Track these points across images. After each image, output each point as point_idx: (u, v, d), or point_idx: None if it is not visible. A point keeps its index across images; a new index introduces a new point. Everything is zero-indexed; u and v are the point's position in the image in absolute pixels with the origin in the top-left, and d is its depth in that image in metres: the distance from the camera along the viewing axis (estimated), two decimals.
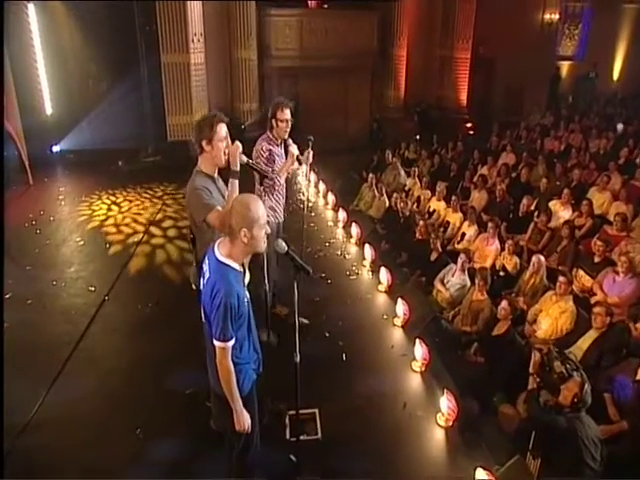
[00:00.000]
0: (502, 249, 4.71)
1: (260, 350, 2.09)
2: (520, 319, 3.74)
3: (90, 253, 4.97)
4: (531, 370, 3.04)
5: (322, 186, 6.49)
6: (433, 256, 4.75)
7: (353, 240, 5.09)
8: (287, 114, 3.06)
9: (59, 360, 3.24)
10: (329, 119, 9.68)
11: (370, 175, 7.05)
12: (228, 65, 8.86)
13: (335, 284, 4.25)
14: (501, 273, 4.53)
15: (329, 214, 5.92)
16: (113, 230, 5.56)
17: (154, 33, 7.51)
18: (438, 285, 4.32)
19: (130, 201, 6.50)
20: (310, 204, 6.19)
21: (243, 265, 2.33)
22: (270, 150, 3.09)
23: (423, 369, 3.28)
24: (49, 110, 8.19)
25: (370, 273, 4.48)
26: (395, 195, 6.22)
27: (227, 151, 2.33)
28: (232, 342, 1.85)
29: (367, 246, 4.62)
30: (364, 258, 4.64)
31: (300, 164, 3.25)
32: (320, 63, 9.22)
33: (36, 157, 7.07)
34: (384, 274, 4.17)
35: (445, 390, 2.86)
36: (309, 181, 6.83)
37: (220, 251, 1.86)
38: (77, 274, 4.51)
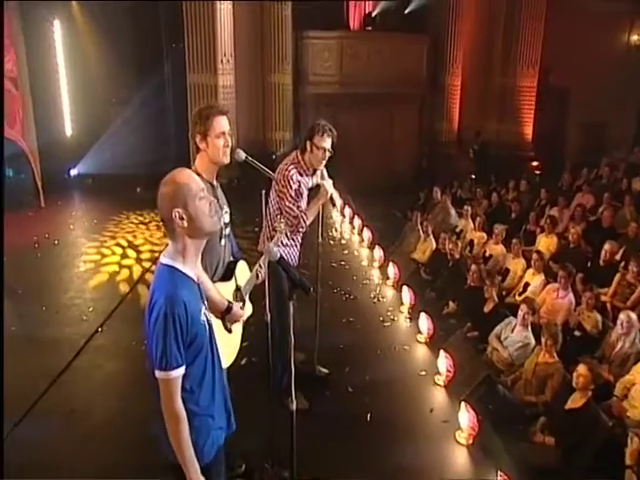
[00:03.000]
0: (577, 303, 4.52)
1: (230, 402, 1.81)
2: (605, 392, 3.47)
3: (89, 280, 5.17)
4: (628, 461, 2.80)
5: (357, 221, 6.56)
6: (488, 307, 4.61)
7: (390, 282, 5.04)
8: (327, 142, 2.89)
9: (32, 395, 3.25)
10: (371, 153, 10.01)
11: (415, 213, 7.12)
12: (260, 90, 9.51)
13: (365, 330, 4.18)
14: (576, 333, 4.31)
15: (364, 252, 5.96)
16: (117, 259, 5.81)
17: (181, 52, 8.28)
18: (494, 342, 4.13)
19: (142, 230, 6.83)
20: (343, 241, 6.29)
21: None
22: (299, 182, 2.93)
23: (470, 442, 3.03)
24: (69, 131, 9.02)
25: (408, 320, 4.38)
26: (443, 236, 6.19)
27: (227, 150, 2.24)
28: (179, 372, 1.53)
29: (405, 289, 4.54)
30: (401, 303, 4.56)
31: (334, 206, 3.12)
32: (362, 91, 9.69)
33: (53, 180, 7.72)
34: (424, 322, 4.03)
35: (499, 473, 2.59)
36: (344, 216, 7.11)
37: (164, 253, 1.61)
38: (71, 301, 4.68)
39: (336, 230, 6.72)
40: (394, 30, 10.10)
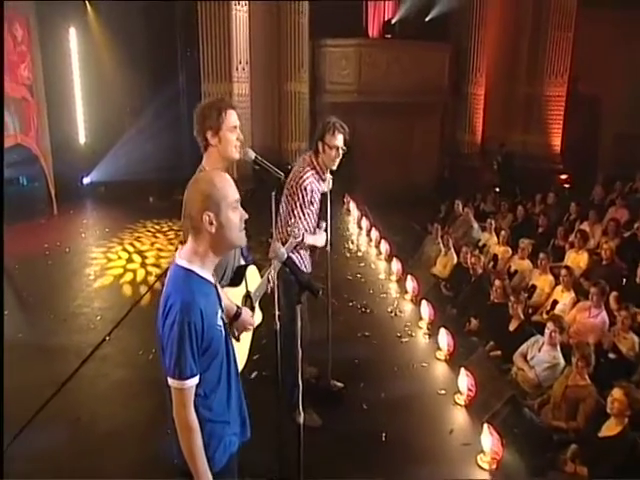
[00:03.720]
0: (611, 324, 4.41)
1: (245, 407, 1.80)
2: None
3: (99, 289, 5.29)
4: None
5: (375, 234, 6.59)
6: (513, 325, 4.51)
7: (408, 296, 5.03)
8: (339, 140, 2.89)
9: (37, 403, 3.30)
10: (390, 164, 10.06)
11: (435, 225, 7.10)
12: (276, 98, 9.67)
13: (381, 346, 4.17)
14: (611, 355, 4.17)
15: (381, 265, 5.98)
16: (128, 268, 5.92)
17: (196, 60, 8.49)
18: (519, 362, 4.03)
19: (153, 240, 6.95)
20: (360, 253, 6.33)
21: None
22: (313, 191, 2.94)
23: (493, 467, 2.93)
24: (82, 139, 9.30)
25: (427, 336, 4.35)
26: (465, 249, 6.14)
27: (239, 145, 2.24)
28: (193, 381, 1.54)
29: (424, 303, 4.50)
30: (420, 318, 4.53)
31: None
32: (380, 100, 9.75)
33: (65, 188, 7.99)
34: (444, 338, 3.98)
35: None
36: (360, 228, 7.17)
37: (181, 254, 1.60)
38: (80, 309, 4.79)
39: (352, 242, 6.76)
40: (414, 38, 10.21)
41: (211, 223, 1.54)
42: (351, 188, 8.72)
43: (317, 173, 2.97)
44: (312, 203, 2.98)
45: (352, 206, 7.91)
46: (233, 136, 2.23)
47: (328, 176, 3.08)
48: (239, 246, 1.71)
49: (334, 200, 7.75)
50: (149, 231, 7.23)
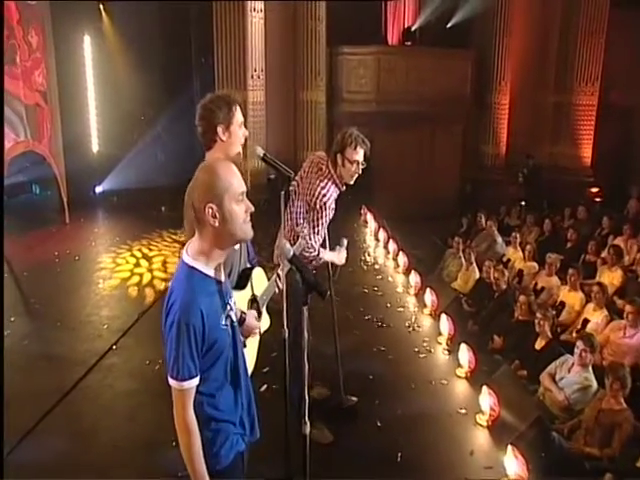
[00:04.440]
0: None
1: (255, 407, 1.80)
2: None
3: (107, 297, 5.38)
4: None
5: (393, 246, 6.59)
6: (539, 343, 4.44)
7: (427, 310, 5.00)
8: (360, 154, 2.86)
9: (39, 412, 3.32)
10: (410, 177, 10.04)
11: (456, 239, 7.09)
12: (292, 107, 9.77)
13: (397, 361, 4.14)
14: None
15: (399, 278, 5.97)
16: (137, 277, 6.01)
17: (210, 67, 8.66)
18: (546, 382, 3.93)
19: (163, 249, 7.04)
20: (377, 266, 6.34)
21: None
22: (331, 200, 2.90)
23: None
24: (96, 147, 9.52)
25: (446, 352, 4.30)
26: (488, 264, 6.11)
27: (243, 140, 2.27)
28: (192, 382, 1.54)
29: (444, 317, 4.46)
30: (439, 333, 4.49)
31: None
32: (400, 109, 9.78)
33: (78, 197, 8.17)
34: (465, 354, 3.91)
35: None
36: (378, 240, 7.17)
37: (187, 250, 1.60)
38: (88, 318, 4.86)
39: (369, 255, 6.76)
40: (435, 45, 10.26)
41: (214, 216, 1.52)
42: (368, 200, 8.76)
43: (336, 185, 2.94)
44: (326, 215, 2.97)
45: (369, 218, 7.92)
46: (241, 132, 2.26)
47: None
48: (245, 240, 1.69)
49: (350, 211, 7.70)
50: (165, 240, 7.36)
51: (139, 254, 6.76)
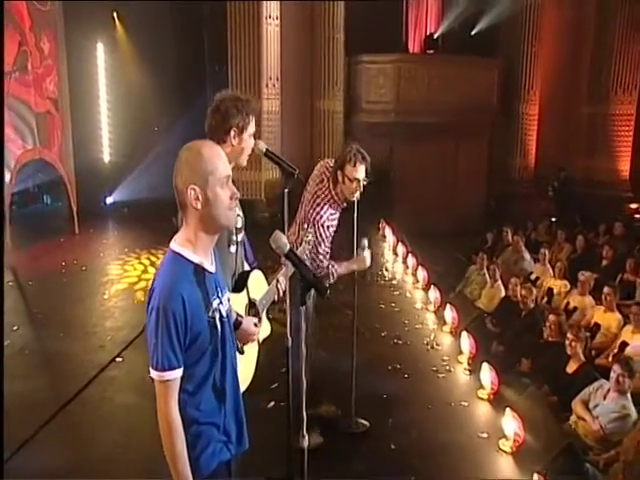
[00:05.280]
0: None
1: (244, 416, 1.75)
2: None
3: (113, 308, 5.44)
4: None
5: (412, 261, 6.57)
6: (571, 367, 4.28)
7: (447, 328, 4.94)
8: (360, 172, 2.87)
9: (36, 423, 3.34)
10: (432, 191, 9.99)
11: (480, 255, 7.05)
12: (308, 117, 9.86)
13: (414, 380, 4.09)
14: None
15: (418, 294, 5.95)
16: (144, 282, 6.09)
17: (224, 75, 8.78)
18: (579, 410, 3.78)
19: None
20: (395, 281, 6.34)
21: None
22: (330, 221, 2.95)
23: None
24: (107, 157, 9.71)
25: (467, 372, 4.20)
26: (514, 281, 6.02)
27: (250, 151, 2.26)
28: (173, 374, 1.51)
29: (465, 335, 4.37)
30: (460, 352, 4.40)
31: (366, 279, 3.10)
32: (421, 120, 9.76)
33: (88, 207, 8.36)
34: (487, 374, 3.79)
35: None
36: (396, 255, 7.18)
37: (176, 239, 1.61)
38: (92, 328, 4.92)
39: (387, 270, 6.75)
40: (459, 53, 10.27)
41: (197, 198, 1.52)
42: (387, 213, 8.72)
43: (334, 203, 2.97)
44: (330, 233, 2.99)
45: (388, 232, 7.91)
46: (251, 143, 2.24)
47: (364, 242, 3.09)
48: (227, 227, 1.68)
49: (368, 225, 7.66)
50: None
51: (147, 262, 6.89)
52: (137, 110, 9.46)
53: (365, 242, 3.06)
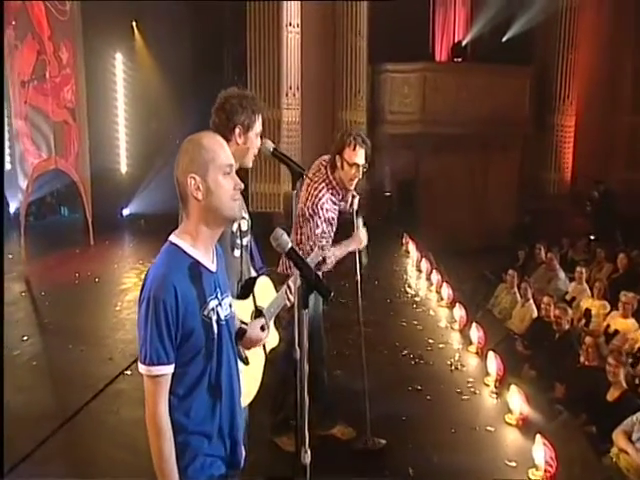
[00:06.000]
0: None
1: (241, 431, 1.69)
2: None
3: (124, 320, 5.49)
4: None
5: (436, 277, 6.49)
6: (612, 395, 4.12)
7: (472, 348, 4.83)
8: (360, 156, 2.85)
9: (40, 434, 3.37)
10: (459, 206, 9.88)
11: (510, 272, 6.92)
12: (329, 128, 9.82)
13: (436, 402, 4.00)
14: None
15: (442, 312, 5.86)
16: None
17: (243, 85, 8.88)
18: (621, 442, 3.61)
19: None
20: (417, 298, 6.29)
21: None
22: (328, 204, 2.90)
23: None
24: (124, 168, 9.89)
25: (494, 396, 4.06)
26: (547, 300, 5.88)
27: (256, 151, 2.27)
28: (163, 369, 1.47)
29: (491, 355, 4.24)
30: (487, 373, 4.27)
31: (363, 262, 3.05)
32: (448, 131, 9.70)
33: (105, 219, 8.52)
34: (516, 398, 3.64)
35: None
36: (420, 271, 7.11)
37: (175, 231, 1.60)
38: (102, 340, 5.00)
39: (410, 286, 6.69)
40: (489, 61, 10.16)
41: (197, 188, 1.50)
42: (411, 228, 8.63)
43: (333, 190, 2.92)
44: (330, 224, 2.94)
45: (411, 247, 7.84)
46: (257, 142, 2.24)
47: (354, 194, 3.05)
48: (231, 218, 1.62)
49: (391, 240, 7.62)
50: None
51: None
52: (155, 120, 9.64)
53: (360, 221, 3.03)
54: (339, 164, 2.87)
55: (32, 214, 9.22)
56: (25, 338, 4.81)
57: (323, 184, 2.89)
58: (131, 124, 9.76)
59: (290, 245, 1.64)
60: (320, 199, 2.86)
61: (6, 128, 9.09)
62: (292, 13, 8.74)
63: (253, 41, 8.68)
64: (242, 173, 2.30)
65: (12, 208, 8.69)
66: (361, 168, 2.87)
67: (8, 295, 5.91)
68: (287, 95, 8.84)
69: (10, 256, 7.23)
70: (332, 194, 2.91)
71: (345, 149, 2.85)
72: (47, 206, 9.87)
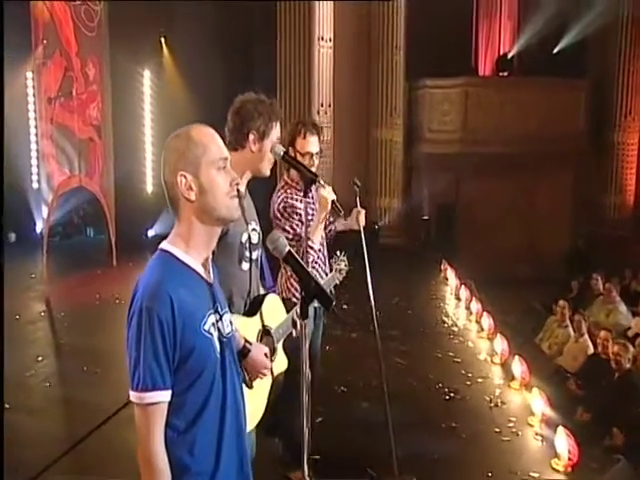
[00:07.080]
0: None
1: (249, 466, 1.55)
2: None
3: None
4: None
5: (476, 306, 6.38)
6: None
7: (515, 384, 4.66)
8: (312, 144, 2.81)
9: (47, 458, 3.40)
10: (505, 231, 9.69)
11: (561, 303, 6.70)
12: (364, 147, 9.86)
13: (472, 442, 3.88)
14: None
15: (482, 344, 5.74)
16: None
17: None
18: None
19: None
20: (455, 328, 6.18)
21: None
22: (286, 201, 2.85)
23: None
24: (150, 188, 10.12)
25: (539, 438, 3.87)
26: (604, 335, 5.60)
27: (274, 160, 2.26)
28: (157, 396, 1.33)
29: (536, 392, 4.08)
30: (531, 413, 4.09)
31: (340, 213, 2.92)
32: (492, 151, 9.55)
33: (129, 239, 8.69)
34: (564, 441, 3.45)
35: None
36: (459, 299, 7.02)
37: (167, 239, 1.51)
38: (117, 364, 4.92)
39: (447, 315, 6.56)
40: (538, 74, 10.02)
41: (189, 187, 1.41)
42: (450, 255, 8.45)
43: (292, 188, 2.89)
44: (291, 216, 2.85)
45: (450, 274, 7.71)
46: (276, 150, 2.25)
47: (359, 210, 3.00)
48: (228, 219, 1.50)
49: (429, 267, 7.48)
50: None
51: None
52: None
53: (358, 203, 2.99)
54: (292, 155, 2.82)
55: (58, 234, 9.51)
56: (40, 359, 4.93)
57: (281, 190, 2.89)
58: (158, 142, 9.97)
59: (288, 248, 1.53)
60: (279, 204, 2.85)
61: (33, 147, 9.56)
62: (324, 27, 8.85)
63: (283, 56, 8.82)
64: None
65: (38, 228, 9.00)
66: (315, 157, 2.83)
67: (27, 314, 6.18)
68: (318, 112, 8.86)
69: (33, 275, 7.53)
70: (292, 193, 2.87)
71: (297, 139, 2.80)
72: (73, 226, 10.16)
